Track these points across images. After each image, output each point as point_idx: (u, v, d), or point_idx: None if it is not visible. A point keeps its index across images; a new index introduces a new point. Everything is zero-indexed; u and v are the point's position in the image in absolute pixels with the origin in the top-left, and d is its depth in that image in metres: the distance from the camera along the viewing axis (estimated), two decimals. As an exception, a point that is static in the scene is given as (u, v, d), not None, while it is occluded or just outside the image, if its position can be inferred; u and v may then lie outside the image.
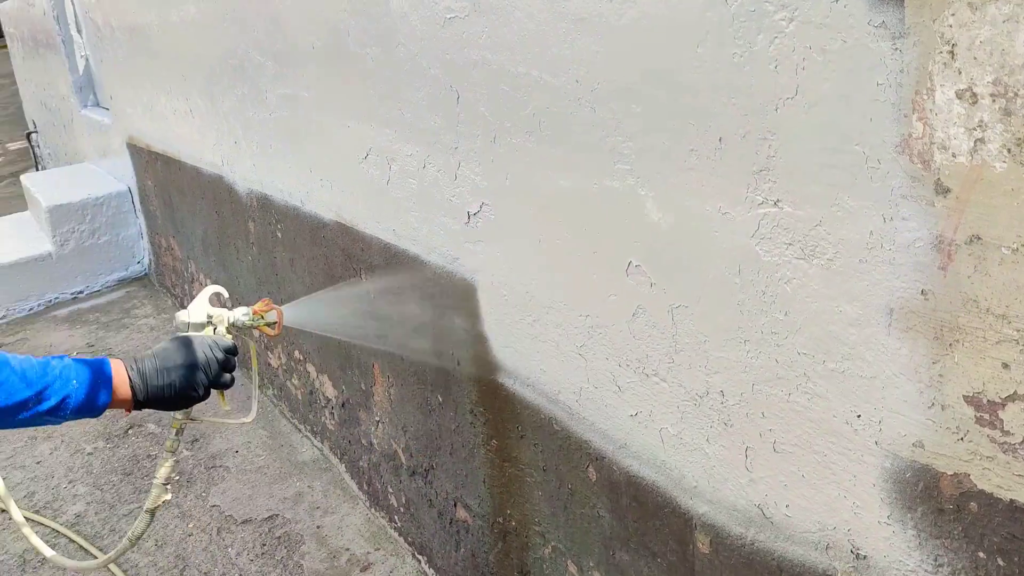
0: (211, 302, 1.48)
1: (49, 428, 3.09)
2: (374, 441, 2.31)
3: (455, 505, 1.97)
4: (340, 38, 1.82)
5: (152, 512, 1.51)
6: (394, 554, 2.25)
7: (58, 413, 1.20)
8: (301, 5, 1.96)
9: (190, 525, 2.48)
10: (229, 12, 2.39)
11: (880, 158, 0.87)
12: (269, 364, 3.01)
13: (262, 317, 1.52)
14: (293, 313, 1.66)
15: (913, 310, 0.88)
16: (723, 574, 1.23)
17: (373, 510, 2.42)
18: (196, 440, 2.92)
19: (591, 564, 1.54)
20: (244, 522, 2.46)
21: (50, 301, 4.28)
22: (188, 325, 1.44)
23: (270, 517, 2.47)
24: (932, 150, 0.83)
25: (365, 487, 2.45)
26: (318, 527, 2.40)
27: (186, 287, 3.85)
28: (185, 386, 1.32)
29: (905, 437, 0.92)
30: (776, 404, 1.07)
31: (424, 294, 1.82)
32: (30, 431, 3.09)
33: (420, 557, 2.18)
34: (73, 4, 4.79)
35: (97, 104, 5.03)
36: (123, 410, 1.30)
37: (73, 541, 2.45)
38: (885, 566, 0.98)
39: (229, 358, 1.40)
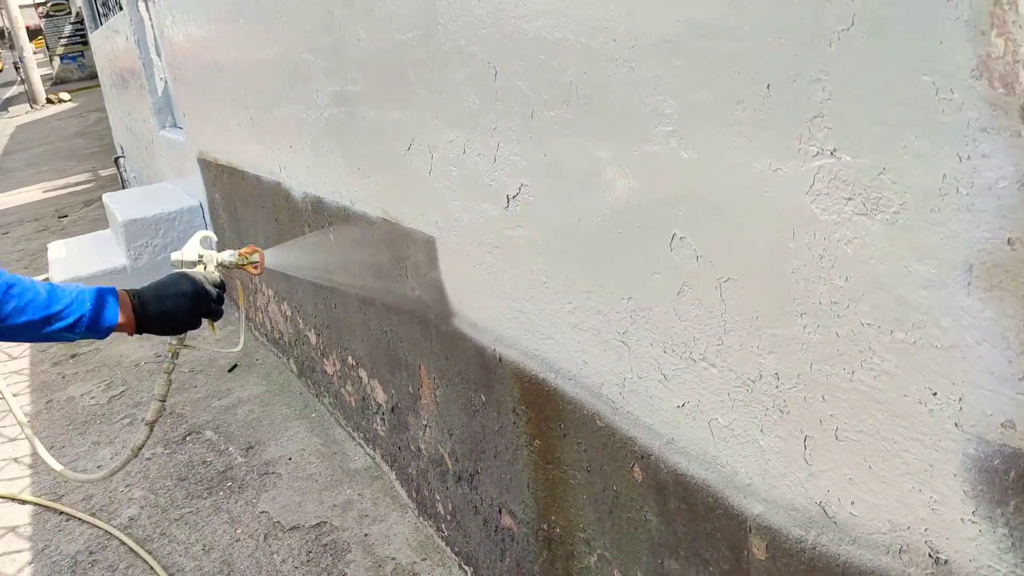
0: (202, 245, 1.72)
1: (110, 434, 3.12)
2: (422, 446, 2.22)
3: (500, 511, 1.86)
4: (382, 25, 1.77)
5: (151, 424, 1.78)
6: (440, 564, 2.15)
7: (74, 330, 1.39)
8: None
9: (238, 531, 2.43)
10: (281, 14, 2.37)
11: (953, 87, 0.74)
12: (325, 371, 2.97)
13: (247, 258, 1.79)
14: None
15: (998, 264, 0.74)
16: (781, 584, 1.09)
17: (421, 519, 2.33)
18: (251, 447, 2.89)
19: (638, 574, 1.41)
20: (292, 529, 2.40)
21: (123, 313, 4.36)
22: (181, 263, 1.68)
23: (318, 524, 2.40)
24: (1017, 70, 0.70)
25: (414, 494, 2.36)
26: (365, 535, 2.32)
27: (252, 299, 3.86)
28: (178, 313, 1.54)
29: (991, 417, 0.78)
30: (837, 385, 0.94)
31: (467, 287, 1.73)
32: (92, 436, 3.12)
33: (467, 568, 2.08)
34: (153, 28, 4.94)
35: (174, 125, 5.16)
36: (126, 333, 1.50)
37: (123, 543, 2.43)
38: (970, 572, 0.83)
39: (217, 292, 1.62)
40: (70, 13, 26.32)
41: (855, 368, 0.91)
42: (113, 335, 1.48)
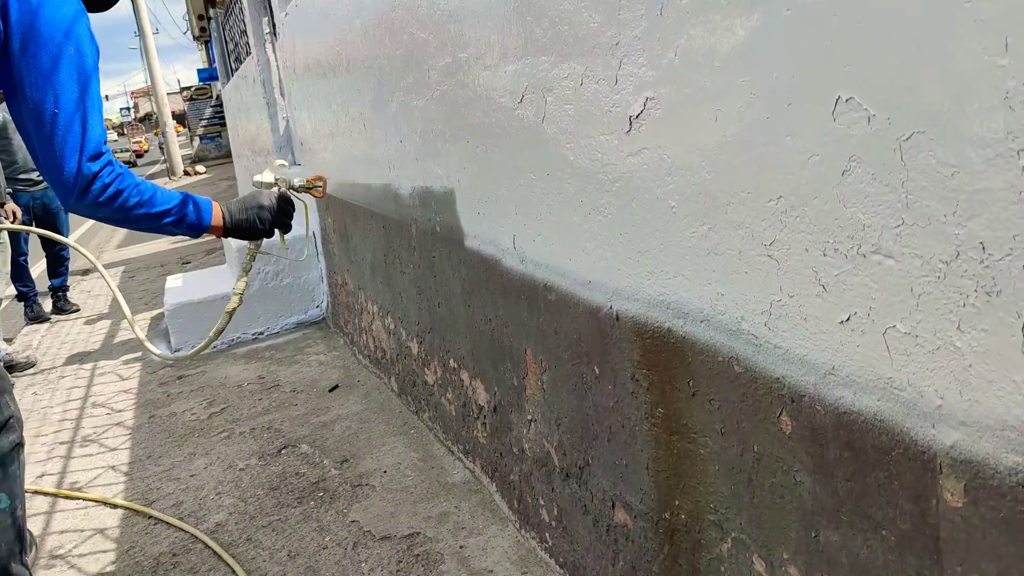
0: (278, 171, 2.02)
1: (206, 446, 3.05)
2: (526, 447, 2.01)
3: (613, 506, 1.62)
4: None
5: (230, 313, 2.07)
6: (543, 577, 1.91)
7: (180, 224, 1.76)
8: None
9: (326, 539, 2.26)
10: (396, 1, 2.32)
11: None
12: (426, 382, 2.81)
13: (313, 183, 2.11)
14: None
15: None
16: (987, 536, 0.84)
17: (523, 531, 2.10)
18: (346, 460, 2.75)
19: (785, 556, 1.15)
20: (382, 539, 2.22)
21: (232, 340, 4.37)
22: (261, 184, 2.00)
23: (410, 535, 2.21)
24: None
25: (515, 504, 2.14)
26: (461, 547, 2.11)
27: (356, 320, 3.79)
28: (255, 221, 1.91)
29: None
30: (1077, 235, 0.70)
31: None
32: (189, 447, 3.06)
33: (572, 580, 1.84)
34: (278, 68, 5.10)
35: (294, 163, 5.26)
36: (216, 236, 1.87)
37: (208, 547, 2.30)
38: None
39: (287, 207, 1.97)
40: (211, 97, 28.29)
41: (1107, 202, 0.68)
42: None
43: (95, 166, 1.61)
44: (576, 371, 1.67)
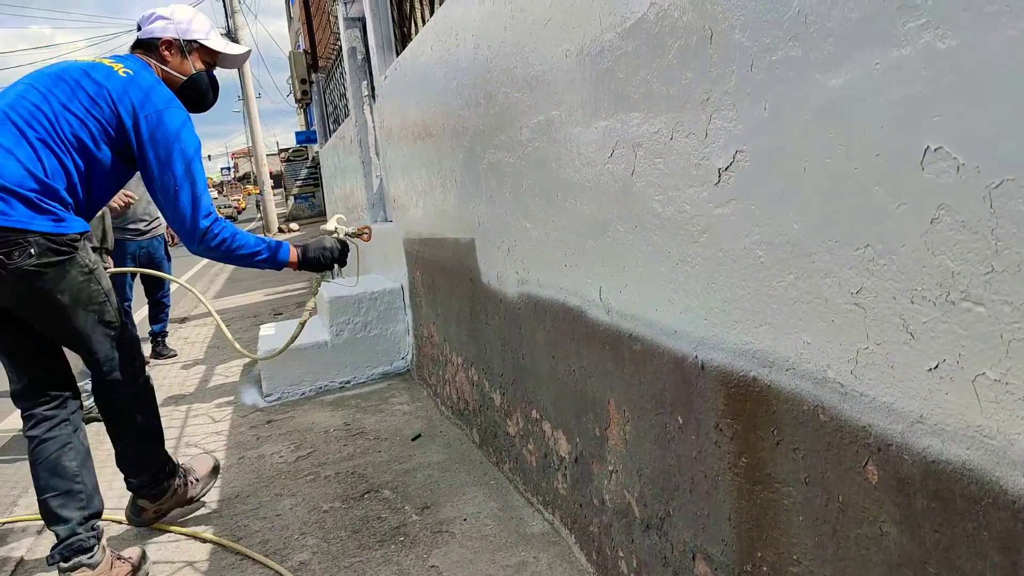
0: (339, 222, 3.01)
1: (293, 488, 3.13)
2: (606, 497, 2.02)
3: (694, 558, 1.61)
4: (589, 24, 1.74)
5: (302, 324, 3.14)
6: (620, 630, 1.90)
7: (267, 261, 2.69)
8: (551, 15, 1.93)
9: (406, 581, 2.29)
10: (482, 60, 2.43)
11: None
12: (507, 433, 2.85)
13: (361, 231, 3.03)
14: None
15: None
16: (1083, 589, 0.82)
17: (601, 584, 2.09)
18: (426, 507, 2.79)
19: (871, 609, 1.13)
20: (461, 584, 2.24)
21: (320, 388, 4.50)
22: (325, 231, 2.96)
23: (489, 582, 2.22)
24: None
25: (594, 556, 2.14)
26: (538, 597, 2.11)
27: (440, 372, 3.86)
28: (322, 259, 2.85)
29: None
30: None
31: (667, 293, 1.58)
32: (276, 488, 3.15)
33: (650, 634, 1.82)
34: (374, 129, 5.33)
35: (385, 219, 5.46)
36: (292, 269, 2.82)
37: (293, 582, 2.36)
38: None
39: (344, 249, 2.94)
40: (307, 158, 29.50)
41: None
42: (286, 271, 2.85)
43: (206, 222, 2.48)
44: (659, 421, 1.69)
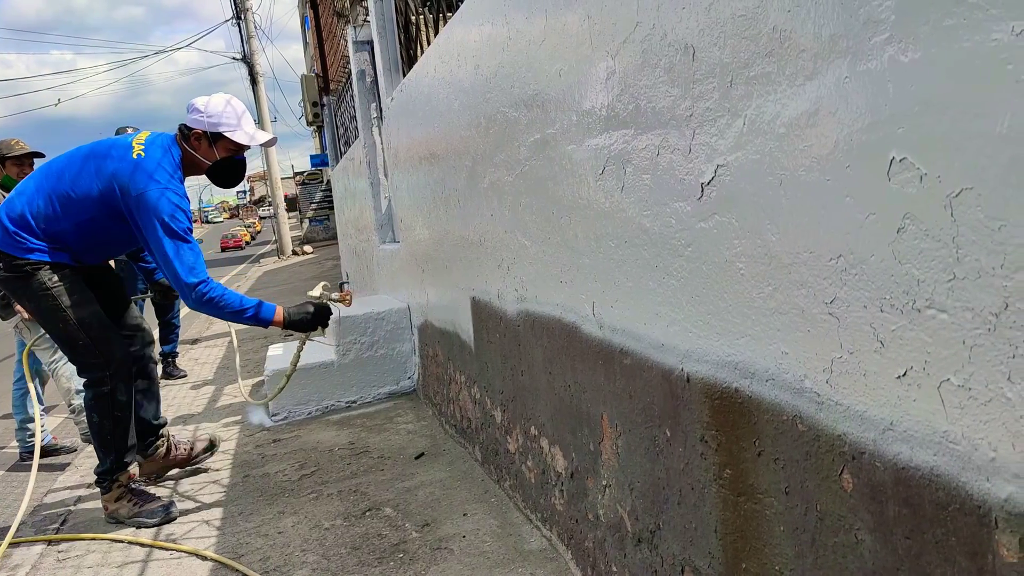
0: (324, 288, 3.44)
1: (295, 506, 3.16)
2: (600, 512, 2.03)
3: (682, 571, 1.62)
4: (581, 45, 1.78)
5: (299, 353, 3.61)
6: (613, 645, 1.89)
7: (254, 319, 3.05)
8: (545, 36, 1.96)
9: (403, 597, 2.30)
10: (482, 80, 2.47)
11: None
12: (507, 450, 2.86)
13: (343, 297, 3.47)
14: None
15: None
16: (1045, 591, 0.83)
17: (596, 600, 2.10)
18: (426, 524, 2.80)
19: (848, 618, 1.14)
20: (457, 600, 2.24)
21: (326, 407, 4.53)
22: (311, 296, 3.35)
23: (485, 598, 2.23)
24: None
25: (589, 572, 2.14)
26: (533, 613, 2.12)
27: (445, 391, 3.88)
28: (306, 321, 3.25)
29: None
30: (1117, 283, 0.72)
31: (655, 307, 1.60)
32: (279, 506, 3.17)
33: (642, 649, 1.81)
34: (383, 151, 5.39)
35: (393, 240, 5.50)
36: (279, 328, 3.21)
37: (291, 597, 2.37)
38: None
39: (327, 313, 3.32)
40: (321, 182, 29.73)
41: None
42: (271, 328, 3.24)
43: (194, 282, 2.91)
44: (649, 434, 1.70)
